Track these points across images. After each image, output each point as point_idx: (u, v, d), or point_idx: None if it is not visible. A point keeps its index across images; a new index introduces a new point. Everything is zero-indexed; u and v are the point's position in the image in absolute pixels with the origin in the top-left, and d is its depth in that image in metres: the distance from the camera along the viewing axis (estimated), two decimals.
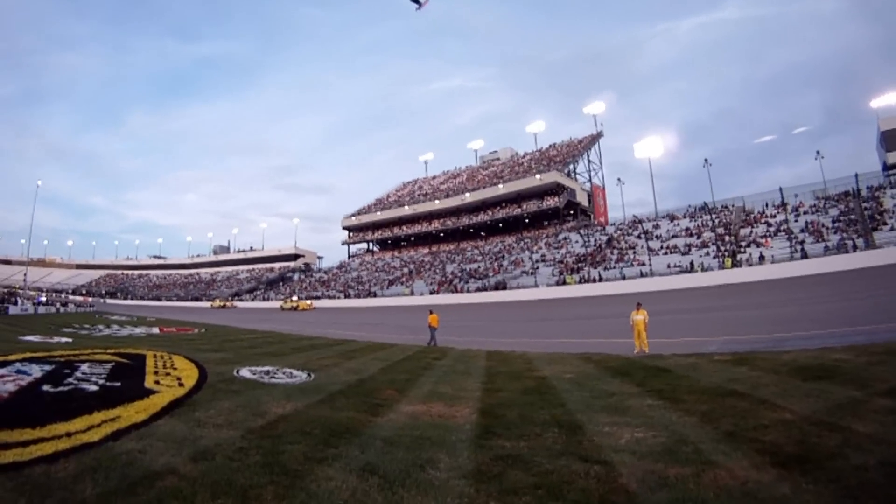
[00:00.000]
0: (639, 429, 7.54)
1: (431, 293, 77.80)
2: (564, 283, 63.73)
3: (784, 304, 25.64)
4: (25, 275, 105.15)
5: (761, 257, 51.13)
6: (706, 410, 8.22)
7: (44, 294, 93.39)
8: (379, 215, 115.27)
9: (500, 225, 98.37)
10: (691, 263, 55.22)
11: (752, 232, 58.40)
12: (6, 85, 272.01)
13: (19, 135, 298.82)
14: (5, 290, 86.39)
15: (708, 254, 56.68)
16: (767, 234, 56.34)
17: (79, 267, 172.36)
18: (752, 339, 15.31)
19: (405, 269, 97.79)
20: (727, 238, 58.45)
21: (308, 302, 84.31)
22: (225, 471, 6.33)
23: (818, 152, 69.69)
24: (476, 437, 7.76)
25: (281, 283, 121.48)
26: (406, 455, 6.92)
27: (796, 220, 56.66)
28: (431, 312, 25.54)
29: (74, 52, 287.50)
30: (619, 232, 75.22)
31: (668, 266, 56.85)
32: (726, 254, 54.11)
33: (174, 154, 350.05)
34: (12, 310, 47.32)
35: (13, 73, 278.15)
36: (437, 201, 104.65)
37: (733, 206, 68.24)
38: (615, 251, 67.73)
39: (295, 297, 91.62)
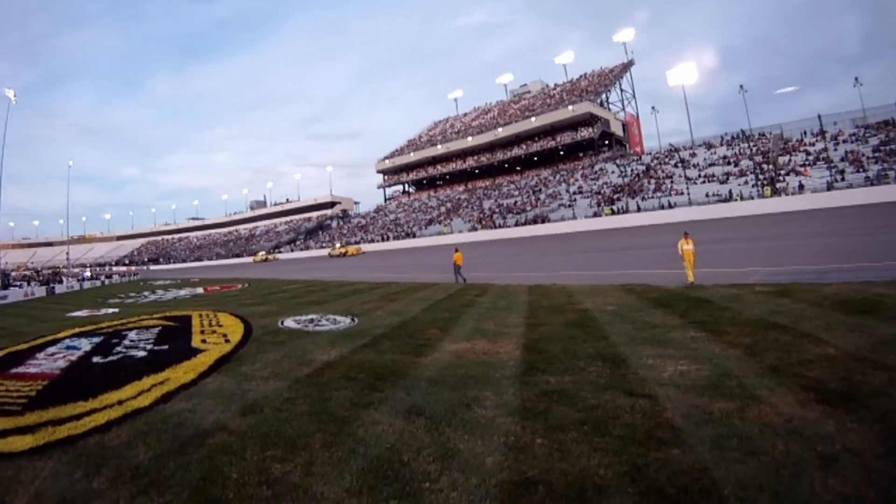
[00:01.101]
0: (682, 361, 7.48)
1: (470, 231, 77.94)
2: (602, 214, 63.13)
3: (824, 234, 24.93)
4: (68, 253, 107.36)
5: (800, 186, 49.82)
6: (749, 343, 8.11)
7: (88, 269, 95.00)
8: (412, 156, 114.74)
9: (535, 158, 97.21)
10: (730, 192, 54.10)
11: (790, 160, 56.74)
12: (26, 73, 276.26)
13: (45, 119, 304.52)
14: (50, 271, 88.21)
15: (746, 182, 55.36)
16: (806, 162, 54.68)
17: (119, 238, 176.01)
18: (793, 271, 14.93)
19: (442, 208, 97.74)
20: (766, 167, 56.96)
21: (357, 247, 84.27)
22: (273, 422, 6.46)
23: (856, 79, 67.07)
24: (520, 373, 7.77)
25: (320, 232, 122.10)
26: (451, 395, 6.98)
27: (835, 149, 54.88)
28: (457, 251, 25.72)
29: (88, 30, 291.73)
30: (655, 161, 73.86)
31: (707, 195, 55.72)
32: (765, 182, 52.91)
33: (201, 115, 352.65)
34: (58, 288, 48.26)
35: (31, 60, 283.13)
36: (469, 138, 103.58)
37: (771, 133, 66.08)
38: (652, 181, 66.68)
39: (339, 244, 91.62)
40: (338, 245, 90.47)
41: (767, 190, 51.02)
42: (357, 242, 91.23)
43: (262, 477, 4.99)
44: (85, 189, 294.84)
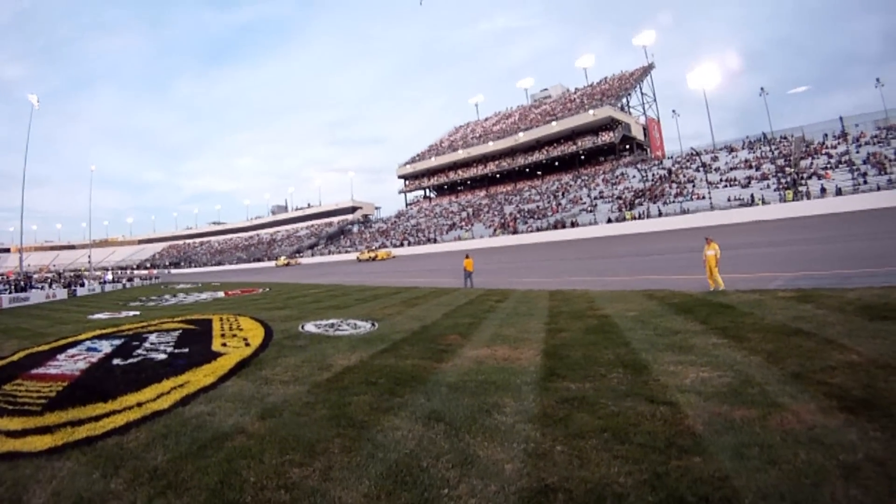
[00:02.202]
0: (704, 368, 7.41)
1: (492, 236, 77.80)
2: (624, 219, 62.86)
3: (846, 238, 24.65)
4: (90, 256, 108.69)
5: (823, 190, 49.18)
6: (771, 350, 8.01)
7: (109, 272, 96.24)
8: (433, 161, 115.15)
9: (556, 163, 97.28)
10: (751, 196, 53.69)
11: (812, 163, 56.06)
12: (51, 77, 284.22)
13: (69, 122, 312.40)
14: (72, 274, 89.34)
15: (768, 186, 54.88)
16: (828, 165, 53.98)
17: (140, 242, 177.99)
18: (816, 276, 14.77)
19: (463, 213, 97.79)
20: (787, 170, 56.40)
21: (387, 251, 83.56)
22: (292, 426, 6.48)
23: (878, 80, 66.34)
24: (541, 379, 7.74)
25: (341, 237, 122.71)
26: (471, 400, 6.95)
27: (858, 152, 54.16)
28: (468, 257, 26.12)
29: (113, 36, 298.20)
30: (676, 165, 73.38)
31: (729, 199, 55.37)
32: (787, 186, 52.36)
33: (225, 120, 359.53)
34: (80, 291, 48.86)
35: (56, 65, 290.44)
36: (490, 143, 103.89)
37: (792, 136, 65.37)
38: (674, 185, 66.29)
39: (367, 248, 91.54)
40: (366, 249, 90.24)
41: (789, 194, 50.51)
42: (380, 247, 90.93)
43: (280, 481, 5.00)
44: (108, 192, 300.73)
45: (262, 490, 4.84)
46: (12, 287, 44.19)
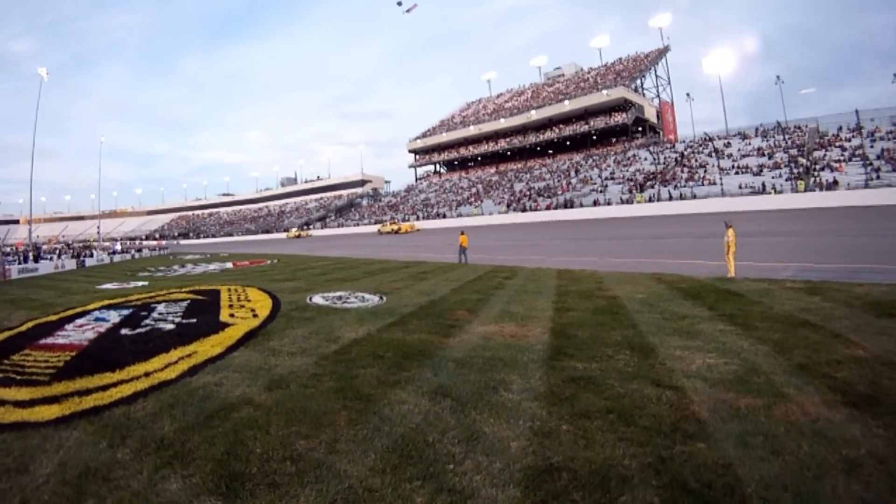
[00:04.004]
0: (710, 354, 7.41)
1: (501, 213, 77.51)
2: (634, 201, 62.61)
3: (857, 233, 24.42)
4: (98, 227, 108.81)
5: (835, 182, 48.79)
6: (778, 339, 8.00)
7: (118, 243, 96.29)
8: (444, 136, 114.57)
9: (568, 142, 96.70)
10: (763, 185, 53.31)
11: (825, 155, 55.60)
12: (57, 54, 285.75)
13: (77, 97, 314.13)
14: (80, 245, 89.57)
15: (780, 175, 54.42)
16: (842, 158, 53.49)
17: (149, 213, 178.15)
18: (825, 268, 14.67)
19: (473, 189, 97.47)
20: (800, 160, 55.92)
21: (410, 224, 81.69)
22: (299, 398, 6.52)
23: (895, 75, 65.47)
24: (548, 357, 7.76)
25: (350, 210, 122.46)
26: (478, 377, 6.99)
27: (872, 146, 53.64)
28: (462, 233, 26.17)
29: (120, 12, 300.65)
30: (689, 149, 72.83)
31: (740, 186, 55.00)
32: (799, 176, 51.95)
33: (232, 94, 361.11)
34: (89, 262, 48.97)
35: (62, 41, 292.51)
36: (502, 120, 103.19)
37: (806, 126, 64.91)
38: (685, 169, 65.86)
39: (389, 220, 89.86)
40: (389, 221, 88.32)
41: (801, 184, 50.12)
42: (390, 221, 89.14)
43: (286, 452, 5.04)
44: (116, 164, 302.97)
45: (267, 461, 4.88)
46: (21, 258, 44.39)
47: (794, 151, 58.00)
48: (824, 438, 4.69)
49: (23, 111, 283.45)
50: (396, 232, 75.51)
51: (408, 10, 62.98)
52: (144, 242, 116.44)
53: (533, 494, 4.08)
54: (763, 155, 61.15)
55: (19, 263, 39.38)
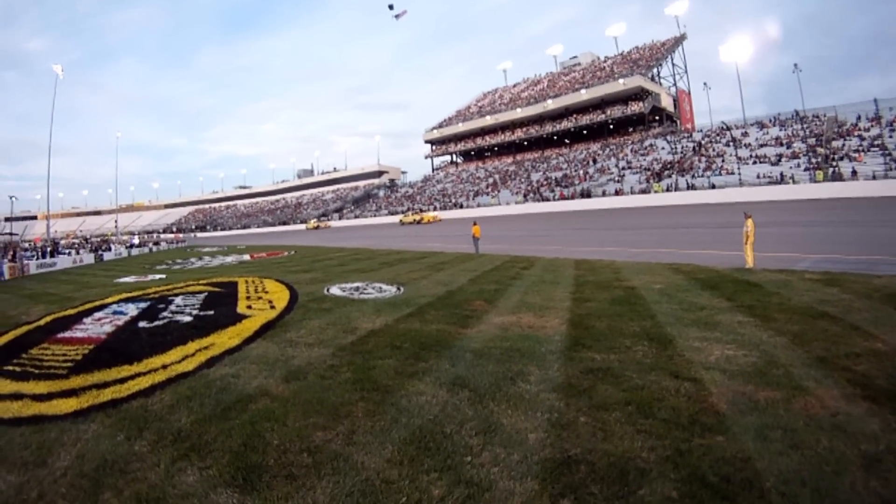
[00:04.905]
0: (729, 346, 7.36)
1: (519, 203, 77.22)
2: (652, 190, 62.20)
3: (876, 224, 23.93)
4: (116, 221, 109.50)
5: (853, 172, 47.91)
6: (797, 331, 7.90)
7: (136, 236, 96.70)
8: (461, 127, 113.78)
9: (585, 132, 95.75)
10: (781, 175, 52.66)
11: (844, 145, 54.54)
12: (73, 51, 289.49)
13: (94, 93, 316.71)
14: (98, 239, 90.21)
15: (798, 165, 53.55)
16: (860, 148, 52.45)
17: (166, 207, 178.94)
18: (843, 259, 14.44)
19: (490, 180, 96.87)
20: (819, 149, 55.07)
21: (433, 214, 79.65)
22: (316, 389, 6.56)
23: None
24: (566, 348, 7.74)
25: (367, 201, 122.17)
26: (496, 368, 6.99)
27: (891, 136, 52.51)
28: (475, 224, 26.25)
29: (135, 8, 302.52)
30: (706, 139, 71.86)
31: (758, 176, 54.33)
32: (817, 166, 51.31)
33: (249, 87, 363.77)
34: (106, 256, 49.34)
35: (78, 38, 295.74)
36: (518, 109, 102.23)
37: (825, 115, 63.47)
38: (703, 159, 65.19)
39: (411, 210, 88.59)
40: (410, 211, 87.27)
41: (820, 174, 49.46)
42: (413, 211, 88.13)
43: (304, 444, 5.07)
44: (134, 159, 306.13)
45: (284, 453, 4.91)
46: (39, 253, 44.75)
47: (812, 141, 57.24)
48: (843, 433, 4.64)
49: (40, 108, 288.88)
50: (419, 222, 74.70)
51: (397, 17, 62.74)
52: (162, 236, 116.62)
53: (551, 487, 4.08)
54: (781, 144, 60.35)
55: (38, 258, 39.62)
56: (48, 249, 48.79)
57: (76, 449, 5.37)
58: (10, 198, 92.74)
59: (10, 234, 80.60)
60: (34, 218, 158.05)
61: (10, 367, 8.72)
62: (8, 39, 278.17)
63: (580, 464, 4.37)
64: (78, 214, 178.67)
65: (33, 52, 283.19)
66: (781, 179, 51.86)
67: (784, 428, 4.79)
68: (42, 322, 13.10)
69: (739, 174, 55.12)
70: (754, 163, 58.02)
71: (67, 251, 49.29)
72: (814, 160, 52.74)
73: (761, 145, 62.49)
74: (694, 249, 19.29)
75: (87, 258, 46.24)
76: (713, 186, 55.85)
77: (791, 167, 53.70)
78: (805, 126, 60.74)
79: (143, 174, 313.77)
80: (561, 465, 4.37)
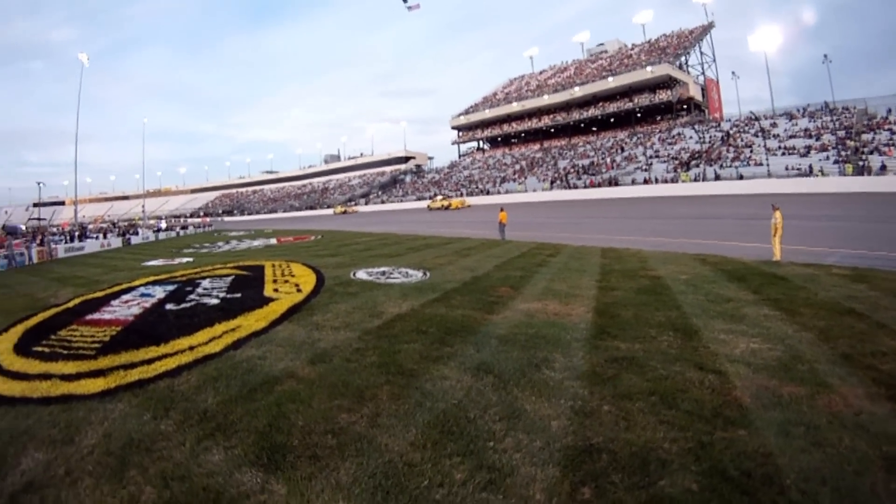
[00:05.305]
0: (755, 339, 7.30)
1: (545, 190, 76.68)
2: (679, 180, 61.58)
3: None
4: (143, 206, 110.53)
5: (883, 167, 46.82)
6: (823, 327, 7.79)
7: (163, 220, 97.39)
8: (487, 113, 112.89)
9: (612, 119, 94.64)
10: (810, 167, 51.75)
11: (874, 138, 53.20)
12: (100, 40, 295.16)
13: (120, 81, 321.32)
14: (126, 223, 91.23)
15: (827, 158, 52.48)
16: (891, 142, 51.18)
17: (193, 191, 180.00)
18: (872, 255, 14.15)
19: (517, 166, 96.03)
20: (848, 142, 54.00)
21: (461, 199, 78.61)
22: (342, 372, 6.63)
23: None
24: (591, 336, 7.75)
25: (394, 186, 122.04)
26: (521, 354, 7.03)
27: None
28: (502, 210, 26.38)
29: None
30: (735, 128, 70.63)
31: (786, 168, 53.44)
32: (846, 160, 50.36)
33: (275, 73, 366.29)
34: (134, 240, 49.99)
35: (104, 27, 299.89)
36: (545, 96, 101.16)
37: (854, 108, 62.04)
38: (731, 149, 64.28)
39: (439, 196, 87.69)
40: (439, 197, 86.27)
41: (849, 167, 48.53)
42: (441, 196, 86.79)
43: (328, 426, 5.14)
44: (160, 145, 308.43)
45: (309, 434, 4.99)
46: (67, 237, 45.36)
47: (841, 133, 56.18)
48: (866, 433, 4.59)
49: (67, 96, 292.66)
50: (447, 207, 73.90)
51: (410, 8, 62.71)
52: (189, 220, 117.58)
53: (572, 474, 4.11)
54: (810, 136, 59.19)
55: (66, 242, 40.18)
56: (76, 234, 49.51)
57: (103, 428, 5.49)
58: (38, 184, 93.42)
59: (39, 219, 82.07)
60: (62, 203, 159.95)
61: (40, 349, 8.89)
62: (35, 29, 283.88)
63: (602, 452, 4.39)
64: (105, 199, 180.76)
65: (60, 42, 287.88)
66: (810, 172, 51.02)
67: (807, 425, 4.76)
68: (70, 304, 13.30)
69: (768, 165, 54.37)
70: (783, 154, 57.16)
71: (95, 235, 49.87)
72: (843, 153, 51.81)
73: (790, 136, 61.46)
74: (721, 240, 19.12)
75: (115, 242, 46.76)
76: (741, 177, 55.13)
77: (820, 159, 52.77)
78: (834, 118, 59.54)
79: (170, 159, 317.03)
80: (583, 453, 4.40)
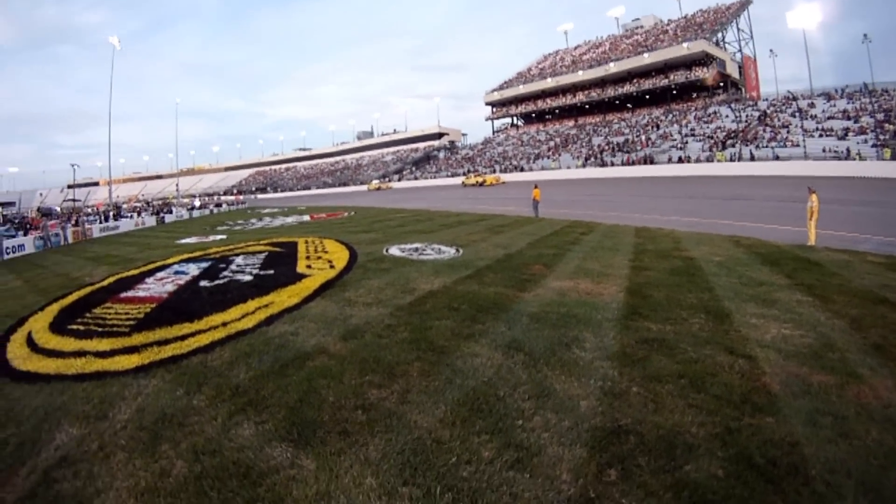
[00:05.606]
0: (786, 325, 7.22)
1: (578, 167, 75.90)
2: (715, 159, 60.64)
3: None
4: (177, 184, 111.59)
5: None
6: (856, 315, 7.63)
7: (197, 199, 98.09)
8: (521, 89, 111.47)
9: (647, 96, 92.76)
10: (847, 150, 50.54)
11: None
12: (130, 22, 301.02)
13: (151, 61, 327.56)
14: (160, 202, 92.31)
15: (866, 141, 51.11)
16: None
17: (227, 169, 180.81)
18: None
19: (551, 143, 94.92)
20: (887, 126, 52.59)
21: (496, 176, 78.41)
22: (373, 348, 6.72)
23: None
24: (622, 317, 7.75)
25: (427, 162, 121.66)
26: (552, 333, 7.06)
27: None
28: (536, 187, 26.31)
29: None
30: (772, 108, 69.09)
31: (823, 150, 52.22)
32: (885, 143, 49.07)
33: (306, 50, 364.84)
34: (168, 218, 50.61)
35: (135, 9, 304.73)
36: (580, 72, 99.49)
37: (894, 90, 60.12)
38: (768, 129, 63.05)
39: (473, 173, 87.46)
40: (473, 173, 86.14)
41: (888, 152, 47.25)
42: (475, 173, 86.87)
43: (359, 401, 5.24)
44: (193, 124, 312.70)
45: (339, 409, 5.09)
46: (102, 217, 46.04)
47: (880, 116, 54.72)
48: (894, 426, 4.54)
49: (99, 79, 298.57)
50: (481, 184, 73.57)
51: None
52: (223, 197, 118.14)
53: (599, 456, 4.15)
54: (848, 118, 57.61)
55: (100, 222, 40.78)
56: (111, 213, 50.31)
57: (136, 403, 5.65)
58: (72, 166, 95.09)
59: (73, 200, 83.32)
60: (96, 184, 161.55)
61: (75, 326, 9.10)
62: (64, 14, 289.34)
63: (629, 434, 4.42)
64: (139, 179, 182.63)
65: (91, 25, 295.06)
66: (847, 155, 49.89)
67: (835, 415, 4.72)
68: (105, 282, 13.58)
69: (805, 147, 53.32)
70: (820, 136, 55.89)
71: (129, 214, 50.49)
72: (882, 136, 50.57)
73: (828, 118, 60.01)
74: (755, 222, 18.85)
75: (149, 221, 47.34)
76: (777, 158, 54.09)
77: (858, 142, 51.58)
78: (874, 100, 57.87)
79: (202, 138, 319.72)
80: (610, 435, 4.43)
